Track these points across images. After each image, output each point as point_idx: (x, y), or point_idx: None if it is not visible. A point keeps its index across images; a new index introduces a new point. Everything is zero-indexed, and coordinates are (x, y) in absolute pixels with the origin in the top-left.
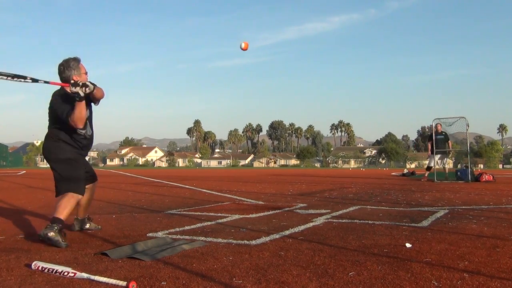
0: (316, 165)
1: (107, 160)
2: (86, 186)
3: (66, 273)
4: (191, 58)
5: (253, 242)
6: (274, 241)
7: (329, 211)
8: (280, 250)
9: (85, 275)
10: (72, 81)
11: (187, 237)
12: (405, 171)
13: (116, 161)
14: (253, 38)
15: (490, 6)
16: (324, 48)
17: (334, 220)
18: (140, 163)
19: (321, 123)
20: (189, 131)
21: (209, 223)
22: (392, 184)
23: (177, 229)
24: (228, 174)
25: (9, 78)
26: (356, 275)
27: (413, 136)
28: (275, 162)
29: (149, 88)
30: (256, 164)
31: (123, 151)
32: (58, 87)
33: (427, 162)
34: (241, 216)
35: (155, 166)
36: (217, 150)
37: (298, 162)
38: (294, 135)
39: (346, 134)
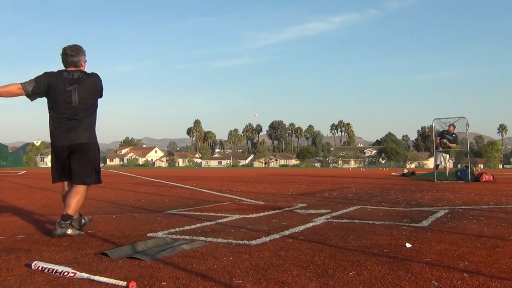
0: (316, 165)
1: (107, 160)
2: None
3: (66, 273)
4: (191, 58)
5: (253, 242)
6: (274, 241)
7: (329, 211)
8: (280, 250)
9: (85, 275)
10: None
11: (187, 237)
12: (405, 171)
13: (116, 161)
14: (253, 38)
15: (490, 6)
16: (324, 48)
17: (334, 220)
18: (140, 163)
19: (321, 123)
20: (189, 131)
21: (209, 223)
22: (392, 184)
23: (177, 229)
24: (228, 174)
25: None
26: (356, 275)
27: (413, 136)
28: (275, 161)
29: (149, 88)
30: (256, 164)
31: (123, 151)
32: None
33: (427, 162)
34: (241, 216)
35: (155, 166)
36: (217, 150)
37: (298, 162)
38: (294, 135)
39: (346, 134)
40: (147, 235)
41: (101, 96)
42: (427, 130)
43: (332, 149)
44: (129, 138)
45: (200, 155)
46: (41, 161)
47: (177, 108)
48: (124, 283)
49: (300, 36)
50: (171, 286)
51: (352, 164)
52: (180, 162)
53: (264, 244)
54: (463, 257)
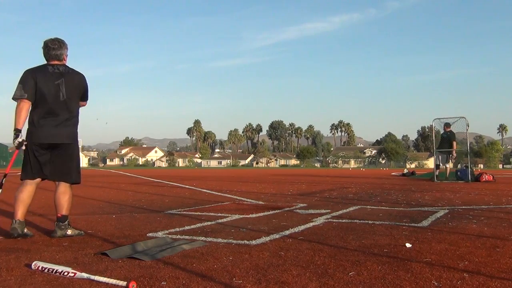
0: (316, 165)
1: (107, 160)
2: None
3: (66, 273)
4: (191, 58)
5: (253, 242)
6: (274, 241)
7: (329, 211)
8: (280, 250)
9: (85, 275)
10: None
11: (187, 237)
12: (405, 171)
13: (116, 161)
14: (253, 38)
15: (490, 6)
16: (324, 48)
17: (334, 220)
18: (140, 163)
19: (321, 123)
20: (189, 131)
21: (209, 223)
22: (392, 184)
23: (177, 229)
24: (228, 174)
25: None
26: (356, 275)
27: (413, 136)
28: (275, 161)
29: (149, 88)
30: (258, 164)
31: (123, 151)
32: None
33: (427, 162)
34: (241, 216)
35: (155, 166)
36: (217, 150)
37: (298, 162)
38: (294, 135)
39: (346, 134)
40: (147, 235)
41: (86, 97)
42: (427, 130)
43: (332, 149)
44: (129, 138)
45: (200, 155)
46: None
47: (177, 108)
48: (124, 283)
49: (300, 36)
50: (171, 286)
51: (352, 164)
52: (180, 162)
53: (264, 244)
54: (463, 257)
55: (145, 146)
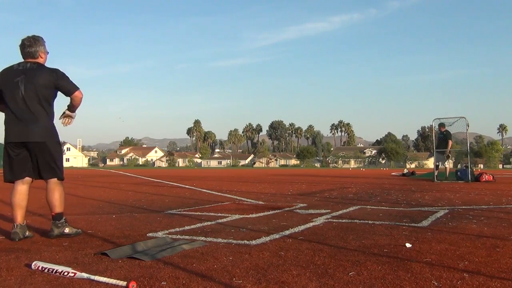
0: (316, 165)
1: (107, 160)
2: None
3: (66, 273)
4: (191, 58)
5: (253, 242)
6: (274, 241)
7: (329, 211)
8: (280, 250)
9: (85, 275)
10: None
11: (187, 237)
12: (405, 171)
13: (116, 161)
14: (253, 38)
15: (490, 6)
16: (324, 48)
17: (334, 220)
18: (140, 163)
19: (321, 123)
20: (189, 131)
21: (209, 223)
22: (392, 184)
23: (177, 229)
24: (228, 174)
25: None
26: (356, 275)
27: (413, 136)
28: (275, 161)
29: (149, 88)
30: (255, 164)
31: (123, 151)
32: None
33: (427, 162)
34: (241, 216)
35: (155, 166)
36: (217, 150)
37: (298, 162)
38: (294, 135)
39: (346, 134)
40: (147, 235)
41: (68, 90)
42: (427, 130)
43: (332, 149)
44: (129, 138)
45: (200, 155)
46: None
47: (177, 108)
48: (124, 283)
49: (300, 36)
50: (171, 286)
51: (352, 164)
52: (180, 162)
53: (264, 244)
54: (463, 257)
55: (145, 146)
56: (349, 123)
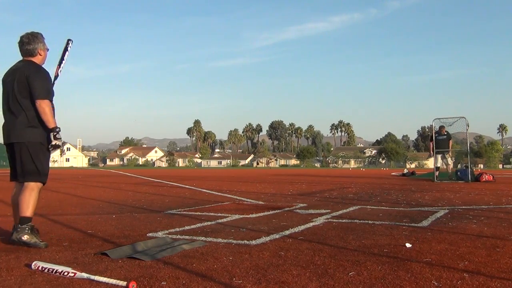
0: (316, 165)
1: (107, 160)
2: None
3: (66, 273)
4: (191, 58)
5: (253, 242)
6: (274, 241)
7: (329, 211)
8: (280, 250)
9: (85, 275)
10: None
11: (187, 237)
12: (405, 171)
13: (116, 161)
14: (253, 38)
15: (490, 6)
16: (324, 48)
17: (334, 220)
18: (140, 163)
19: (321, 123)
20: (189, 131)
21: (209, 223)
22: (392, 184)
23: (177, 229)
24: (228, 174)
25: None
26: (356, 275)
27: (413, 136)
28: (275, 161)
29: (149, 88)
30: (255, 164)
31: (123, 151)
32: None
33: (427, 162)
34: (241, 216)
35: (155, 166)
36: (217, 150)
37: (298, 162)
38: (294, 135)
39: (346, 134)
40: (147, 235)
41: (34, 94)
42: (427, 130)
43: (332, 149)
44: (129, 138)
45: (200, 155)
46: None
47: (177, 108)
48: (124, 283)
49: (300, 36)
50: (171, 286)
51: (352, 164)
52: (180, 162)
53: (264, 244)
54: (463, 257)
55: (145, 146)
56: (349, 123)
